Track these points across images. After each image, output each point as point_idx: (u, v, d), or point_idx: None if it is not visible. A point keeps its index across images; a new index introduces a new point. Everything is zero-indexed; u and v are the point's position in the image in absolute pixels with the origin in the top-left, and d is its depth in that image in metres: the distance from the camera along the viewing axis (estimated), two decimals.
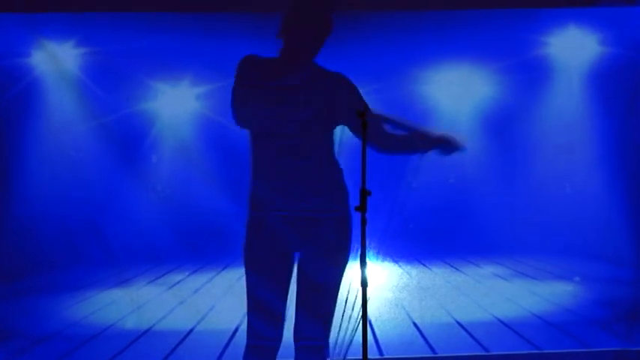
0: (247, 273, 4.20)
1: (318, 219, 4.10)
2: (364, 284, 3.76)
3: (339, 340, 4.26)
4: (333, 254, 4.14)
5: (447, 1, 7.13)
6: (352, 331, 4.15)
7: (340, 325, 4.21)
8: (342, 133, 4.35)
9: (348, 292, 4.07)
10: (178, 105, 12.05)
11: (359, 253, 3.80)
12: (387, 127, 4.27)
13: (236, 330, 6.60)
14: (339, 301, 4.16)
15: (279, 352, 4.20)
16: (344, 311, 4.11)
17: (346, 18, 6.68)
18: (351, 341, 4.23)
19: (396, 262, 10.14)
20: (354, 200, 3.90)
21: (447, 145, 4.29)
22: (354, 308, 3.98)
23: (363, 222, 3.78)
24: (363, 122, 3.82)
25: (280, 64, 4.18)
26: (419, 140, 4.27)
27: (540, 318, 7.08)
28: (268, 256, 4.12)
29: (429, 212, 10.69)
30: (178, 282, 9.37)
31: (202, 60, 9.99)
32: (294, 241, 4.12)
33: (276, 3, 4.46)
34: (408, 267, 10.45)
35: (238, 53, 4.19)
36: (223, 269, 9.85)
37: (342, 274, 4.21)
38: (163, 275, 9.54)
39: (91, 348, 6.43)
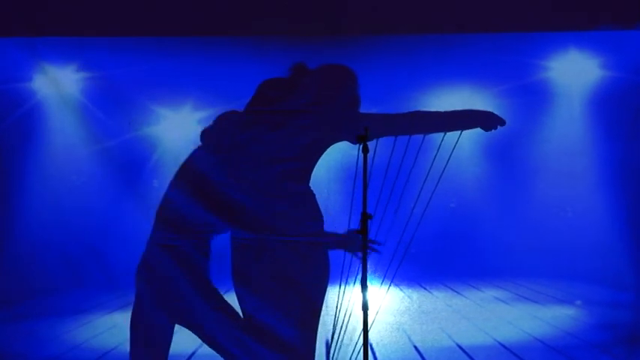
0: (245, 298, 4.16)
1: (316, 243, 4.07)
2: (365, 308, 3.75)
3: None
4: (326, 278, 4.10)
5: (448, 25, 7.15)
6: (354, 354, 4.14)
7: (341, 348, 4.19)
8: (342, 157, 4.35)
9: (350, 315, 4.06)
10: (180, 129, 12.08)
11: (360, 277, 3.80)
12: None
13: None
14: (340, 324, 4.14)
15: None
16: (345, 335, 4.10)
17: (345, 42, 6.71)
18: None
19: (397, 285, 10.12)
20: (354, 224, 3.89)
21: (488, 122, 4.35)
22: (356, 332, 3.97)
23: (365, 246, 3.77)
24: (364, 146, 3.82)
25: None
26: (456, 118, 4.33)
27: (542, 342, 7.05)
28: (270, 281, 4.07)
29: (430, 236, 10.68)
30: None
31: (204, 84, 10.01)
32: (295, 266, 4.08)
33: (277, 27, 4.47)
34: (409, 291, 10.43)
35: (240, 78, 4.19)
36: (225, 293, 9.81)
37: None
38: None
39: None
